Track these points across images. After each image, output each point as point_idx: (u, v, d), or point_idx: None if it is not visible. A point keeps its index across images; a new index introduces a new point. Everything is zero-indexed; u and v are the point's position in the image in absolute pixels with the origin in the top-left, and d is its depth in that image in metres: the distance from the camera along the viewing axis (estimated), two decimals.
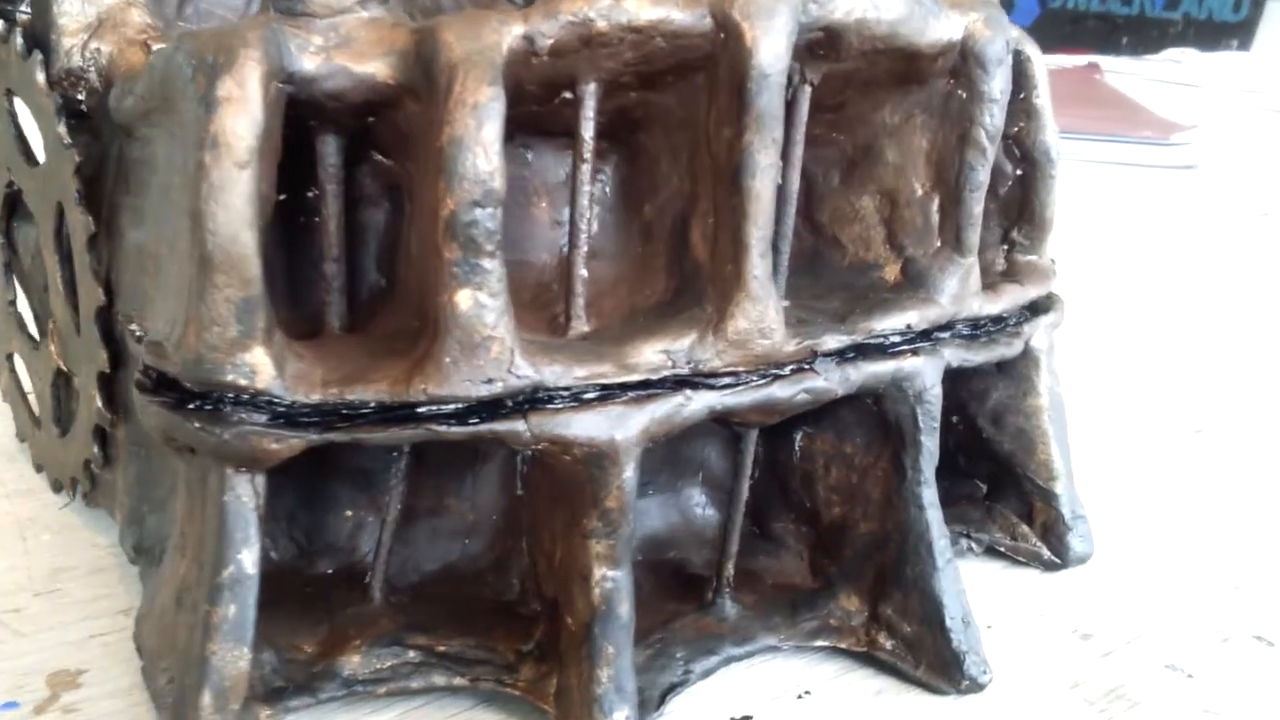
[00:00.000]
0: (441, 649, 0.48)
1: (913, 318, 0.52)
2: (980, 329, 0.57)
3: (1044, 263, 0.62)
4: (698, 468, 0.58)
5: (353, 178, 0.48)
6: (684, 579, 0.54)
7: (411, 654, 0.48)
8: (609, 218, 0.52)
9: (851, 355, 0.51)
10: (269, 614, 0.48)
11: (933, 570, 0.51)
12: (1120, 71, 2.19)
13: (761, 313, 0.46)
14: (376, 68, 0.43)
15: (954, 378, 0.61)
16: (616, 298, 0.50)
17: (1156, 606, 0.58)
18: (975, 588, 0.58)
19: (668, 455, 0.57)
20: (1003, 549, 0.61)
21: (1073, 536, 0.61)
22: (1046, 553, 0.61)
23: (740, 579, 0.55)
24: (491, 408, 0.42)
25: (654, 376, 0.45)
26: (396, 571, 0.52)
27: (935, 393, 0.52)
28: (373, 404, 0.42)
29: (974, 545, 0.61)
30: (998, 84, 0.52)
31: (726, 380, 0.47)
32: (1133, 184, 1.54)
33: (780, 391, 0.48)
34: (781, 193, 0.51)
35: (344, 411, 0.42)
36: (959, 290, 0.54)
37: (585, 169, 0.46)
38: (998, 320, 0.58)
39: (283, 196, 0.43)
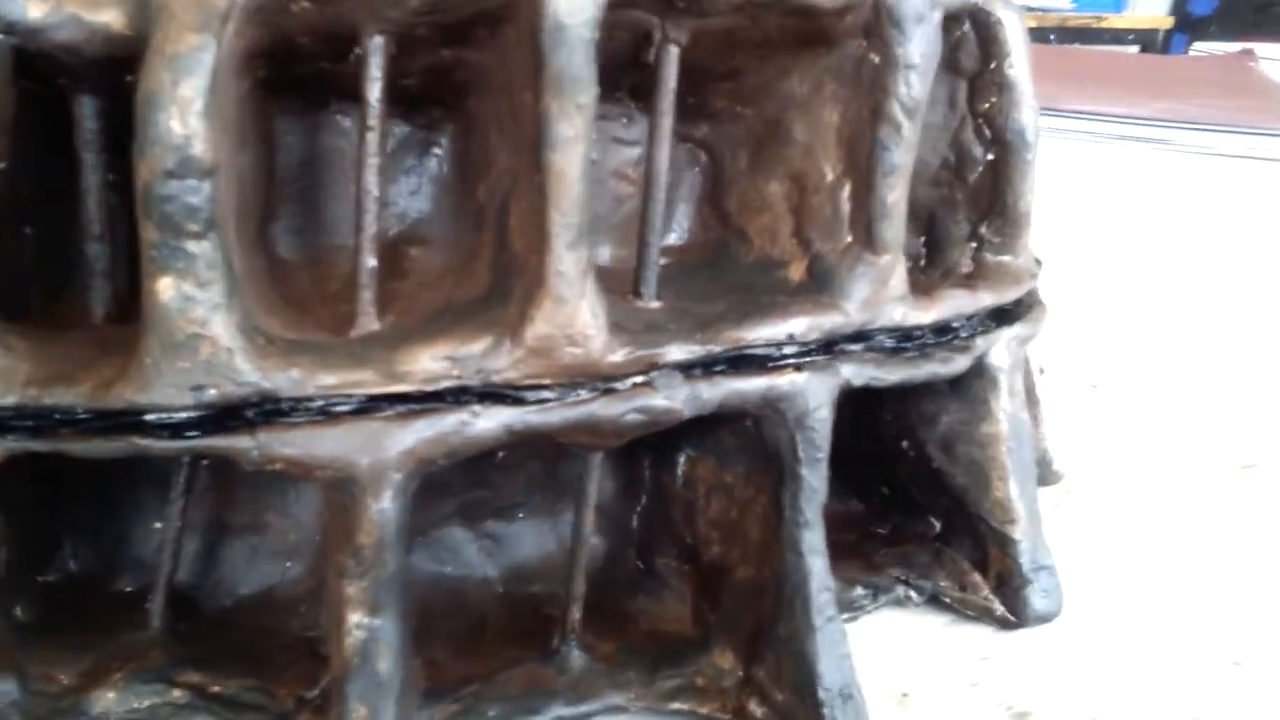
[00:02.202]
0: (214, 689, 0.42)
1: (799, 326, 0.43)
2: (913, 340, 0.48)
3: (1017, 264, 0.52)
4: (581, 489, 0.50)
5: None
6: (539, 619, 0.47)
7: (176, 693, 0.42)
8: (444, 198, 0.45)
9: (721, 368, 0.43)
10: (35, 636, 0.42)
11: (808, 630, 0.43)
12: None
13: (569, 316, 0.38)
14: (111, 17, 0.36)
15: (902, 397, 0.52)
16: (439, 291, 0.43)
17: (1124, 682, 0.48)
18: (905, 644, 0.50)
19: (542, 474, 0.50)
20: (949, 600, 0.52)
21: (1032, 591, 0.51)
22: (999, 608, 0.51)
23: (609, 622, 0.47)
24: (219, 419, 0.36)
25: (430, 388, 0.37)
26: (208, 594, 0.46)
27: (820, 417, 0.43)
28: (80, 410, 0.36)
29: (913, 593, 0.52)
30: (915, 46, 0.43)
31: (538, 395, 0.39)
32: (1264, 180, 1.38)
33: (604, 410, 0.40)
34: (648, 173, 0.43)
35: (56, 416, 0.36)
36: (871, 294, 0.45)
37: (372, 138, 0.39)
38: (943, 331, 0.49)
39: (3, 165, 0.37)
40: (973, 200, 0.52)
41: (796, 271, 0.47)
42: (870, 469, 0.56)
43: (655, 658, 0.46)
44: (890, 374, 0.46)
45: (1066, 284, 0.97)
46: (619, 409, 0.40)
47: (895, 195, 0.44)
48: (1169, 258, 1.08)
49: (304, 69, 0.40)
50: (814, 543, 0.43)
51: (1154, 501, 0.64)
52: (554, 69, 0.36)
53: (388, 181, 0.44)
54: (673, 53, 0.42)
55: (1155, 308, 0.95)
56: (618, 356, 0.39)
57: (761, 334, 0.43)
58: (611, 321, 0.40)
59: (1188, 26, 4.23)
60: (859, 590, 0.51)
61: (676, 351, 0.41)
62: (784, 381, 0.43)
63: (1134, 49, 3.49)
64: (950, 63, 0.52)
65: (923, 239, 0.54)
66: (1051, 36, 3.42)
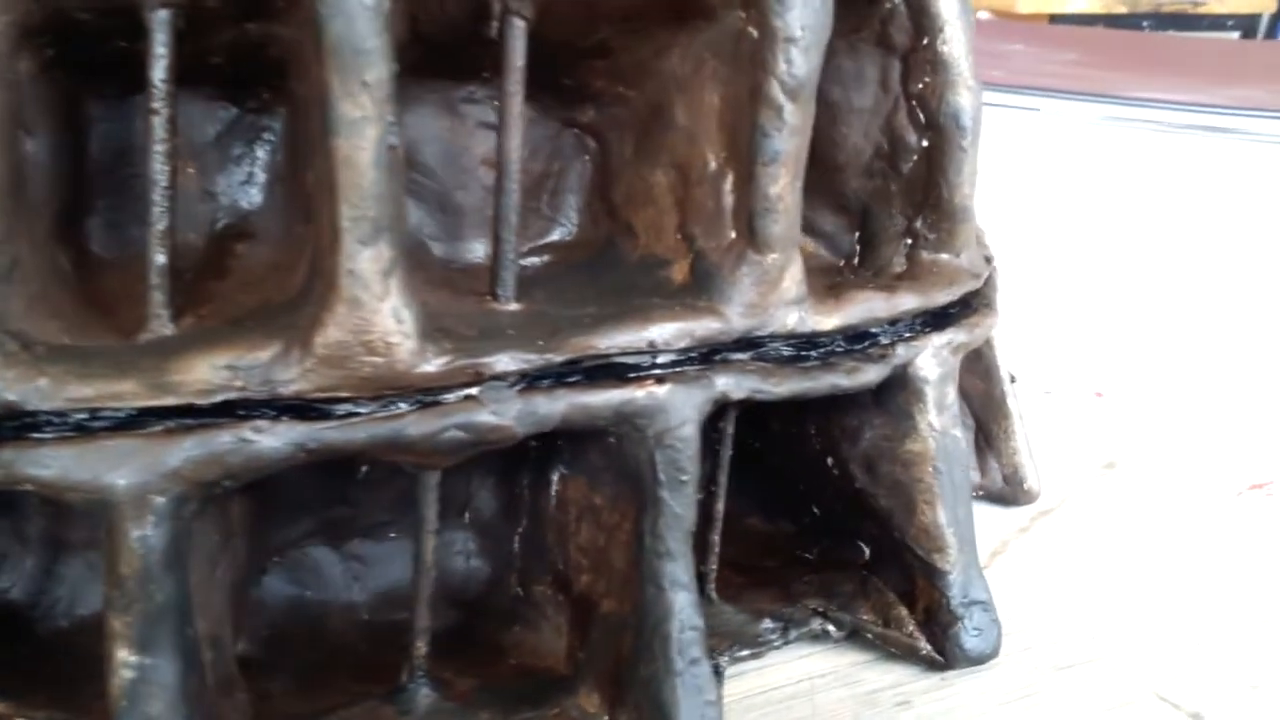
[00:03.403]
0: None
1: (663, 333, 0.39)
2: (818, 349, 0.43)
3: (955, 263, 0.47)
4: (462, 507, 0.46)
5: None
6: (401, 650, 0.43)
7: None
8: (278, 189, 0.41)
9: (576, 380, 0.38)
10: None
11: (667, 673, 0.38)
12: None
13: (365, 321, 0.34)
14: None
15: (825, 409, 0.47)
16: (259, 292, 0.39)
17: None
18: (814, 685, 0.45)
19: (414, 490, 0.45)
20: (871, 636, 0.47)
21: (962, 629, 0.45)
22: (925, 646, 0.46)
23: (478, 654, 0.43)
24: None
25: (204, 401, 0.33)
26: (45, 614, 0.43)
27: (684, 434, 0.39)
28: None
29: (832, 627, 0.47)
30: (797, 17, 0.38)
31: (344, 408, 0.35)
32: None
33: (416, 427, 0.35)
34: (500, 162, 0.39)
35: None
36: (757, 298, 0.40)
37: (157, 122, 0.35)
38: (859, 337, 0.44)
39: None
40: (907, 192, 0.47)
41: (680, 271, 0.42)
42: (801, 487, 0.51)
43: (518, 697, 0.41)
44: (778, 386, 0.41)
45: (1089, 282, 0.90)
46: (434, 425, 0.35)
47: (779, 186, 0.39)
48: (1211, 255, 1.00)
49: (104, 49, 0.36)
50: (677, 575, 0.39)
51: (1140, 524, 0.57)
52: (332, 40, 0.32)
53: (214, 170, 0.40)
54: (517, 27, 0.38)
55: (1181, 308, 0.88)
56: (432, 366, 0.35)
57: (617, 341, 0.38)
58: (434, 327, 0.36)
59: None
60: (767, 623, 0.46)
61: (508, 361, 0.36)
62: (641, 395, 0.38)
63: (1234, 35, 3.34)
64: (881, 38, 0.47)
65: (857, 234, 0.49)
66: (1145, 24, 3.28)
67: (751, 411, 0.46)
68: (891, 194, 0.48)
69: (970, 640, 0.45)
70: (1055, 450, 0.64)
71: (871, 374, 0.43)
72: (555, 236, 0.45)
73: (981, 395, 0.57)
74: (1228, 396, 0.72)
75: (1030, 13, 2.51)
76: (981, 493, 0.58)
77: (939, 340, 0.46)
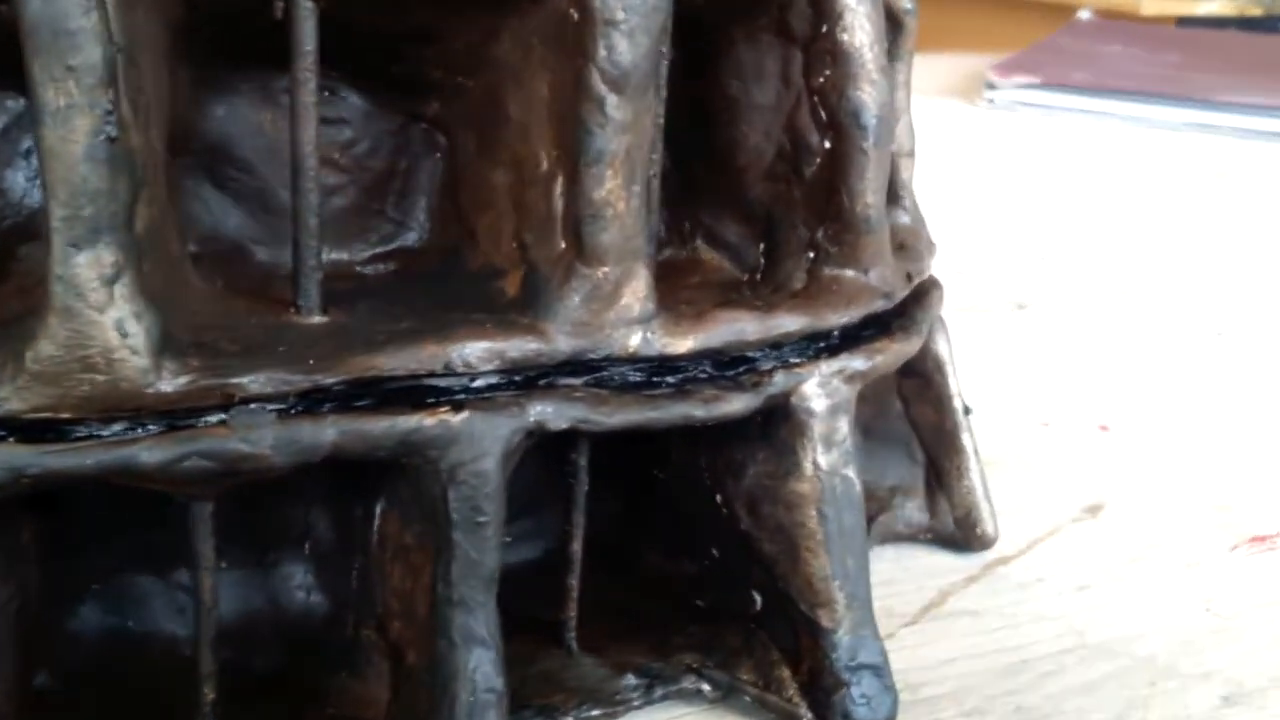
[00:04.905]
0: None
1: (466, 353, 0.35)
2: (676, 373, 0.38)
3: (861, 280, 0.42)
4: (300, 536, 0.43)
5: None
6: (219, 692, 0.39)
7: None
8: None
9: (367, 404, 0.34)
10: None
11: None
12: None
13: (80, 334, 0.30)
14: None
15: (714, 440, 0.43)
16: (35, 297, 0.35)
17: None
18: None
19: (240, 516, 0.42)
20: (749, 698, 0.42)
21: (847, 696, 0.40)
22: (806, 714, 0.41)
23: (295, 702, 0.39)
24: None
25: None
26: None
27: (481, 469, 0.34)
28: None
29: (706, 687, 0.42)
30: None
31: (80, 431, 0.31)
32: None
33: (150, 454, 0.32)
34: (293, 159, 0.35)
35: None
36: (588, 316, 0.36)
37: None
38: (731, 363, 0.39)
39: None
40: (810, 200, 0.42)
41: (513, 284, 0.38)
42: (698, 525, 0.46)
43: None
44: (611, 417, 0.36)
45: (1123, 303, 0.83)
46: (172, 453, 0.32)
47: (605, 190, 0.35)
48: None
49: None
50: (472, 629, 0.34)
51: (1110, 579, 0.51)
52: (30, 20, 0.28)
53: (0, 166, 0.37)
54: (305, 8, 0.34)
55: (1222, 335, 0.80)
56: (169, 386, 0.31)
57: (406, 362, 0.34)
58: (191, 342, 0.32)
59: None
60: (630, 679, 0.41)
61: (264, 382, 0.32)
62: (432, 423, 0.34)
63: None
64: (780, 27, 0.42)
65: (762, 246, 0.44)
66: None
67: (653, 440, 0.42)
68: (795, 201, 0.43)
69: (857, 709, 0.40)
70: (1036, 490, 0.58)
71: (736, 404, 0.38)
72: (402, 242, 0.41)
73: (932, 427, 0.51)
74: (1253, 438, 0.65)
75: (1155, 15, 2.39)
76: (930, 535, 0.52)
77: (829, 368, 0.40)
